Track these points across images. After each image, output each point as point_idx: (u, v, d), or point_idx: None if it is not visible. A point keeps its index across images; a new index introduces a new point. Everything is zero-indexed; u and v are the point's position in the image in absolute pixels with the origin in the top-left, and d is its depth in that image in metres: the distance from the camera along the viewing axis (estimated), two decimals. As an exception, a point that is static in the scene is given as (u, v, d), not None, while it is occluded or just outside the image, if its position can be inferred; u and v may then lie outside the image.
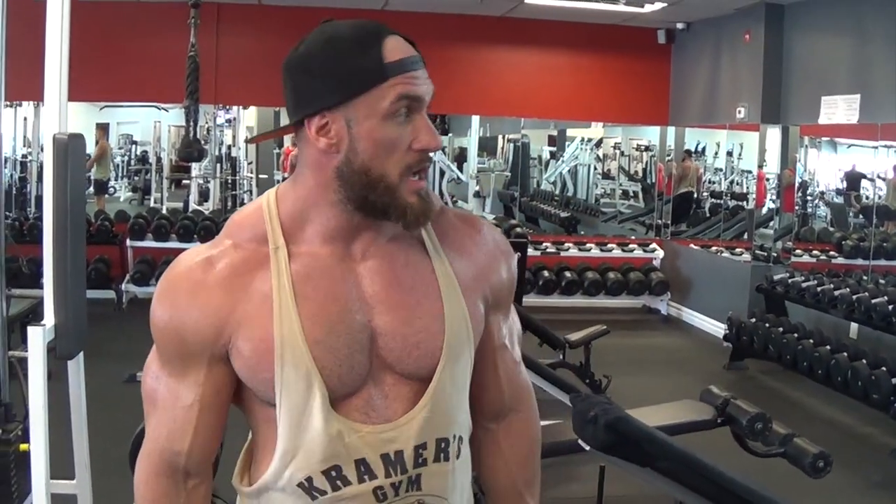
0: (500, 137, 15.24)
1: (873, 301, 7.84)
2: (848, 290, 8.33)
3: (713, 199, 12.83)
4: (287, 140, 13.98)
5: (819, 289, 8.69)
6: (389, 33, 1.65)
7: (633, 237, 13.18)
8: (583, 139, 14.82)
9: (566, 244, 12.46)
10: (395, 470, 1.71)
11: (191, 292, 1.66)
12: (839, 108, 9.09)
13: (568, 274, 11.78)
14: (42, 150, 5.32)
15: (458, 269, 1.81)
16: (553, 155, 15.15)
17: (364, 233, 1.73)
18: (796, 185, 10.53)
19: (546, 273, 11.66)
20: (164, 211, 12.25)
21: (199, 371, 1.68)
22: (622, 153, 15.09)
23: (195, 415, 1.70)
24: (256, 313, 1.65)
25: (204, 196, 13.14)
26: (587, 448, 2.36)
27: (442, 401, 1.76)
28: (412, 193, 1.67)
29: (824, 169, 10.89)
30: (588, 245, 12.52)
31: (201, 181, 13.16)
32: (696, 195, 13.04)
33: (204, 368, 1.68)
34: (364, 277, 1.73)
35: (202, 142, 10.40)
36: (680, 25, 12.06)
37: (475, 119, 13.96)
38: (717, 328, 10.49)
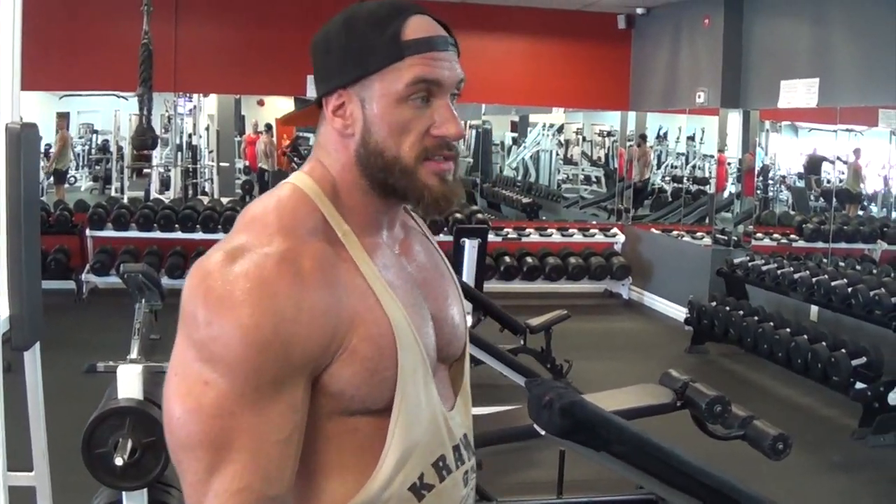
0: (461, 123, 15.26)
1: (833, 284, 7.90)
2: (808, 272, 8.39)
3: (675, 184, 12.90)
4: (249, 128, 13.94)
5: (779, 272, 8.75)
6: (416, 12, 1.57)
7: (594, 222, 13.21)
8: (545, 125, 14.86)
9: (527, 230, 12.49)
10: (468, 452, 1.68)
11: (294, 297, 1.39)
12: (798, 92, 9.14)
13: (529, 259, 11.79)
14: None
15: None
16: (515, 141, 15.19)
17: (391, 220, 1.66)
18: (757, 169, 10.59)
19: (507, 259, 11.66)
20: (124, 200, 12.17)
21: (296, 392, 1.41)
22: (584, 139, 15.15)
23: (293, 447, 1.42)
24: (364, 308, 1.48)
25: (165, 185, 13.07)
26: (543, 433, 2.37)
27: (467, 380, 1.77)
28: (432, 175, 1.56)
29: (785, 153, 10.96)
30: (549, 230, 12.55)
31: (162, 170, 13.09)
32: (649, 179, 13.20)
33: (301, 388, 1.42)
34: (407, 263, 1.67)
35: (158, 130, 10.35)
36: (640, 10, 12.08)
37: (436, 105, 13.88)
38: (678, 312, 10.54)
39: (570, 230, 12.59)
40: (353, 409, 1.47)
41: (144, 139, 8.08)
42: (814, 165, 10.30)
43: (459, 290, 1.79)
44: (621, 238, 12.57)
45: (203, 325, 1.37)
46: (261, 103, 13.84)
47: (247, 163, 14.14)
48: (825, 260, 9.23)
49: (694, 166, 12.53)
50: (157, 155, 12.78)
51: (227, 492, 1.36)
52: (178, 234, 11.04)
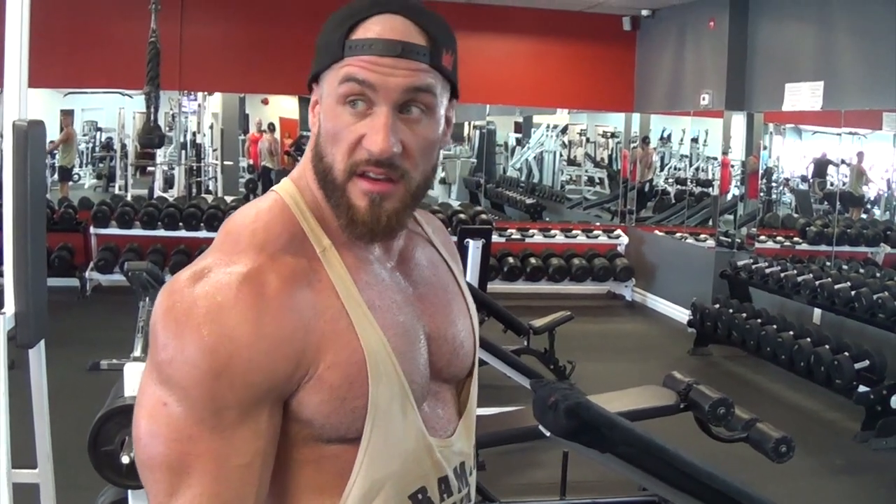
0: (465, 124, 15.20)
1: (836, 287, 7.91)
2: (811, 275, 8.39)
3: (678, 186, 12.89)
4: (252, 126, 13.93)
5: (782, 274, 8.75)
6: (391, 11, 1.42)
7: (598, 223, 13.21)
8: (548, 126, 14.84)
9: (531, 231, 12.51)
10: (462, 483, 1.58)
11: (254, 321, 1.31)
12: (803, 95, 9.14)
13: (533, 260, 11.80)
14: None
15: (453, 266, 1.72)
16: (519, 142, 15.16)
17: None
18: (761, 171, 10.58)
19: (511, 259, 11.67)
20: (128, 198, 12.17)
21: (260, 417, 1.33)
22: (588, 140, 15.12)
23: (256, 473, 1.34)
24: (335, 332, 1.38)
25: (169, 183, 13.06)
26: (548, 434, 2.36)
27: (473, 401, 1.67)
28: (361, 195, 1.42)
29: (789, 155, 10.94)
30: (553, 231, 12.58)
31: (166, 168, 13.08)
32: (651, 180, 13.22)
33: (265, 413, 1.34)
34: (403, 278, 1.56)
35: (164, 128, 10.36)
36: (645, 12, 12.08)
37: (441, 106, 13.87)
38: (682, 314, 10.53)
39: (574, 231, 12.60)
40: (326, 437, 1.40)
41: (151, 137, 8.09)
42: (820, 168, 10.30)
43: (469, 302, 1.69)
44: (625, 239, 12.58)
45: (161, 347, 1.32)
46: (265, 102, 13.83)
47: (251, 161, 14.14)
48: (828, 263, 9.22)
49: (697, 168, 12.52)
50: (161, 153, 12.79)
51: None
52: (182, 233, 11.04)
